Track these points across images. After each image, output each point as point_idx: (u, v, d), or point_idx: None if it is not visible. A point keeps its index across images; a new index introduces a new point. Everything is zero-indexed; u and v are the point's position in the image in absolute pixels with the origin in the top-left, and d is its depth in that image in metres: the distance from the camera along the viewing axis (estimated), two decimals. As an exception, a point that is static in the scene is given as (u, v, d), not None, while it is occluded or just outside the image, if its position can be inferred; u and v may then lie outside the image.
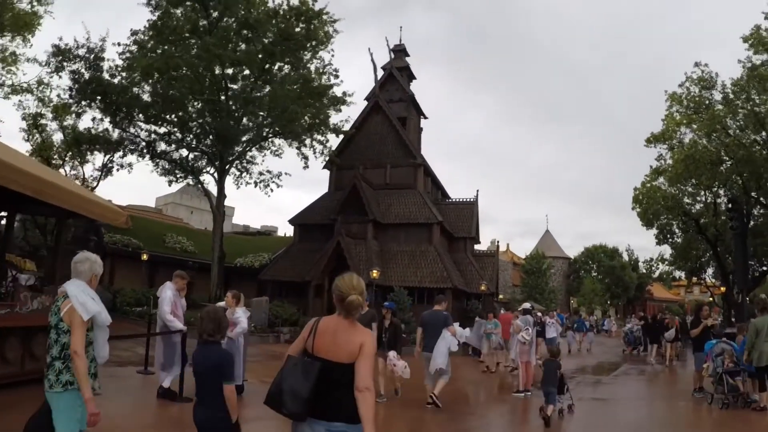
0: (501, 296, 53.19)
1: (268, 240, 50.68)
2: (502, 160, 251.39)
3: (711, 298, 65.41)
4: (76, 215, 11.65)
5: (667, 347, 24.97)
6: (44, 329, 10.77)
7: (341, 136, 35.51)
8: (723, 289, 39.70)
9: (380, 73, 41.76)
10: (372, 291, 28.94)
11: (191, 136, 32.74)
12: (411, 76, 44.64)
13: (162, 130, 32.69)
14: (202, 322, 4.85)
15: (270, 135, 33.32)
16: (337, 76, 32.90)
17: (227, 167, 32.52)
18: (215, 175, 32.75)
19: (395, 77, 41.87)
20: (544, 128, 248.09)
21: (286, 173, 35.18)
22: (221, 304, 11.91)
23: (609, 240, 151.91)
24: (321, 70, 32.65)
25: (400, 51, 43.87)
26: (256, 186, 34.89)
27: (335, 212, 34.59)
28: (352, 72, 42.49)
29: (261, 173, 34.64)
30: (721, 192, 38.41)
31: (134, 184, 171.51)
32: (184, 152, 33.81)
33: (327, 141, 34.49)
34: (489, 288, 35.95)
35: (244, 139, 32.45)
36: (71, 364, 4.51)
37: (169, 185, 35.23)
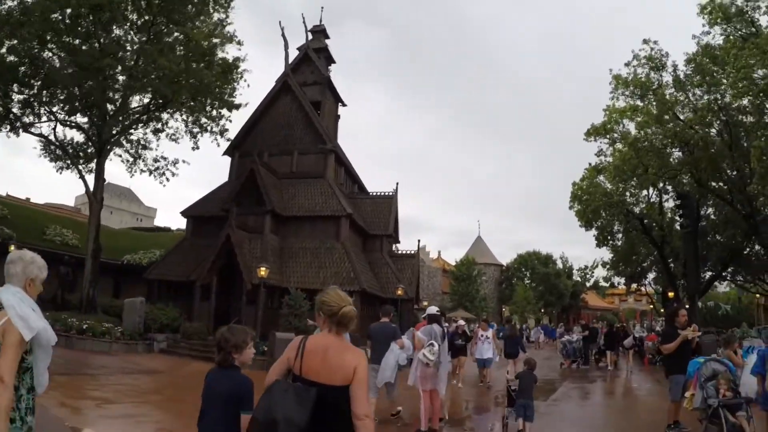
0: (425, 303, 48.83)
1: (167, 236, 45.45)
2: (439, 172, 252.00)
3: (651, 306, 62.59)
4: None
5: (628, 354, 25.45)
6: None
7: (236, 116, 30.89)
8: (671, 294, 35.71)
9: (297, 54, 37.40)
10: (261, 292, 24.07)
11: (56, 103, 27.74)
12: (330, 59, 40.24)
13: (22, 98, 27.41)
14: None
15: (152, 107, 28.94)
16: (234, 41, 28.68)
17: (107, 146, 27.94)
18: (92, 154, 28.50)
19: (311, 59, 37.26)
20: (484, 142, 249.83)
21: (183, 161, 31.82)
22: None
23: (544, 250, 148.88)
24: (213, 32, 27.94)
25: (319, 32, 39.62)
26: (150, 174, 31.21)
27: (230, 202, 29.53)
28: (271, 58, 38.07)
29: (156, 160, 31.11)
30: (669, 188, 34.73)
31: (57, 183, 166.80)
32: (63, 129, 29.30)
33: (219, 117, 30.20)
34: (407, 292, 31.25)
35: (131, 116, 28.49)
36: None
37: (59, 172, 30.29)
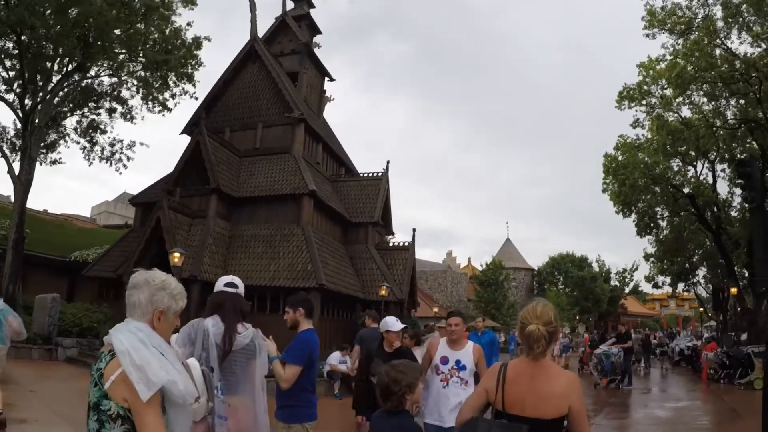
0: (435, 310, 42.54)
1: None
2: (470, 181, 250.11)
3: (701, 309, 55.51)
4: None
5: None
6: None
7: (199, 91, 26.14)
8: (734, 290, 28.81)
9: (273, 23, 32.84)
10: (193, 289, 18.06)
11: None
12: (314, 28, 34.69)
13: None
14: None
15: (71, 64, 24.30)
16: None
17: (32, 117, 23.81)
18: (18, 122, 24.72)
19: (289, 27, 32.03)
20: (513, 151, 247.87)
21: (141, 143, 28.54)
22: None
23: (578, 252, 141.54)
24: None
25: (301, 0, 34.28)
26: (107, 162, 28.19)
27: (172, 183, 23.91)
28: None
29: (112, 144, 28.07)
30: (726, 155, 27.92)
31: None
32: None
33: (158, 82, 26.02)
34: (394, 293, 24.96)
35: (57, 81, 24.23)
36: None
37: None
